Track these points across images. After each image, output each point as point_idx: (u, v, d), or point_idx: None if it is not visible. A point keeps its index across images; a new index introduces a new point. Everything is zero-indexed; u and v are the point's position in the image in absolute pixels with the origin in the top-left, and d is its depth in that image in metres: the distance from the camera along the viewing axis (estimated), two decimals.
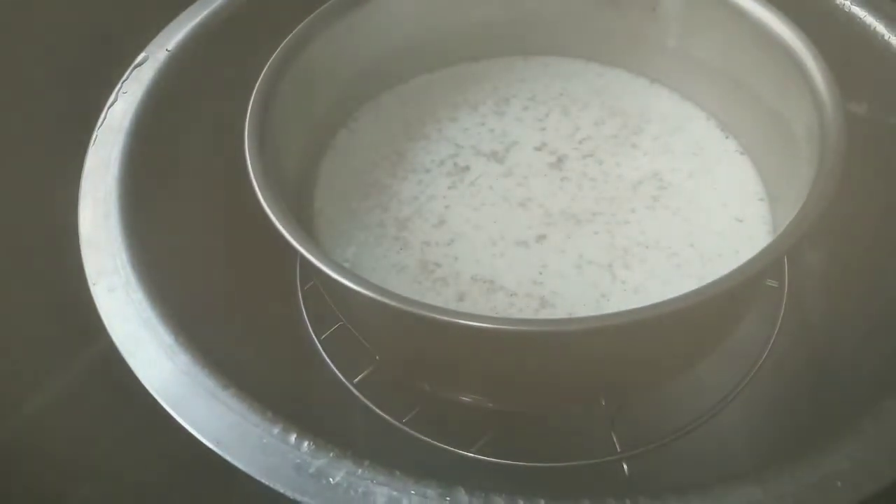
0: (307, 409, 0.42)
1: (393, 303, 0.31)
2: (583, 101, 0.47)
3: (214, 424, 0.31)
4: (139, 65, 0.44)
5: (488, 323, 0.30)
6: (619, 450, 0.40)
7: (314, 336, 0.44)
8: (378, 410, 0.41)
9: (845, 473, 0.28)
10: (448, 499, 0.28)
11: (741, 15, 0.41)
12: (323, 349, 0.44)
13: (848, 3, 0.44)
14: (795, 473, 0.28)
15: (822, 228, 0.51)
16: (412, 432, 0.40)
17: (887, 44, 0.43)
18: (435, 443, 0.40)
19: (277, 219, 0.34)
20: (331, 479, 0.28)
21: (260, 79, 0.39)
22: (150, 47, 0.45)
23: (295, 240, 0.33)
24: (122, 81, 0.43)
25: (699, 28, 0.44)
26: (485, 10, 0.48)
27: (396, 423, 0.40)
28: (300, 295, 0.46)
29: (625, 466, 0.39)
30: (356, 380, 0.42)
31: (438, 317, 0.30)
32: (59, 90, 0.51)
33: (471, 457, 0.39)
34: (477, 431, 0.40)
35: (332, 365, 0.43)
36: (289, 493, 0.28)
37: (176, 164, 0.44)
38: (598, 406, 0.41)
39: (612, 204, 0.42)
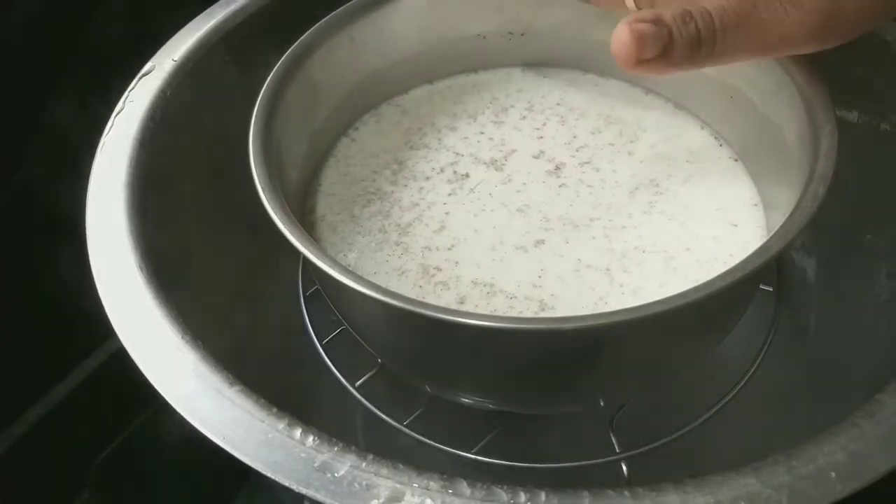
0: (310, 411, 0.42)
1: (395, 302, 0.31)
2: (580, 111, 0.48)
3: (220, 420, 0.31)
4: (146, 74, 0.45)
5: (490, 322, 0.31)
6: (617, 450, 0.40)
7: (316, 341, 0.45)
8: (380, 413, 0.42)
9: (840, 465, 0.28)
10: (450, 491, 0.28)
11: None
12: (325, 353, 0.44)
13: None
14: (791, 465, 0.28)
15: (815, 233, 0.52)
16: (414, 434, 0.41)
17: (878, 51, 0.44)
18: (436, 444, 0.40)
19: (282, 223, 0.34)
20: (335, 473, 0.29)
21: (263, 88, 0.40)
22: (157, 57, 0.46)
23: (299, 243, 0.34)
24: (129, 90, 0.44)
25: None
26: (483, 22, 0.49)
27: (398, 426, 0.41)
28: (302, 300, 0.47)
29: (623, 467, 0.40)
30: (358, 383, 0.43)
31: (441, 316, 0.31)
32: (66, 96, 0.52)
33: (472, 458, 0.40)
34: (478, 433, 0.41)
35: (333, 369, 0.44)
36: (294, 487, 0.28)
37: (182, 170, 0.45)
38: (596, 407, 0.41)
39: (610, 210, 0.42)
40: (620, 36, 0.33)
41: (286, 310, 0.48)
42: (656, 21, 0.33)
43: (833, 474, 0.28)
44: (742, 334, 0.42)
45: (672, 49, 0.33)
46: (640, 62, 0.34)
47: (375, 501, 0.28)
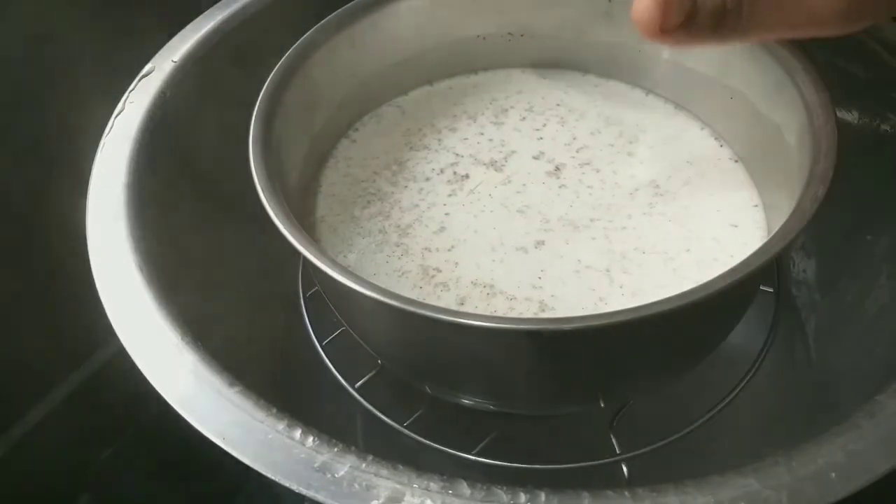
0: (310, 412, 0.42)
1: (395, 303, 0.31)
2: (579, 112, 0.48)
3: (220, 420, 0.31)
4: (146, 75, 0.45)
5: (490, 322, 0.31)
6: (618, 451, 0.40)
7: (316, 342, 0.45)
8: (380, 414, 0.42)
9: (840, 465, 0.28)
10: (450, 492, 0.28)
11: None
12: (325, 354, 0.44)
13: None
14: (791, 465, 0.28)
15: (815, 234, 0.52)
16: (414, 435, 0.41)
17: (876, 52, 0.44)
18: (436, 446, 0.40)
19: (282, 224, 0.34)
20: (335, 474, 0.29)
21: (263, 89, 0.40)
22: (157, 59, 0.46)
23: (299, 244, 0.34)
24: (129, 91, 0.44)
25: None
26: (483, 23, 0.49)
27: (398, 427, 0.41)
28: (302, 302, 0.47)
29: (624, 468, 0.40)
30: (358, 384, 0.43)
31: (441, 317, 0.31)
32: (68, 98, 0.52)
33: (472, 459, 0.40)
34: (478, 434, 0.41)
35: (333, 370, 0.44)
36: (294, 487, 0.28)
37: (181, 171, 0.45)
38: (597, 408, 0.41)
39: (610, 210, 0.42)
40: (643, 1, 0.33)
41: (286, 311, 0.48)
42: None
43: (833, 475, 0.28)
44: (742, 335, 0.42)
45: (695, 18, 0.32)
46: (664, 30, 0.33)
47: (375, 502, 0.28)
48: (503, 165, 0.45)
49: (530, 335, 0.32)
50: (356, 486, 0.29)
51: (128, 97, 0.44)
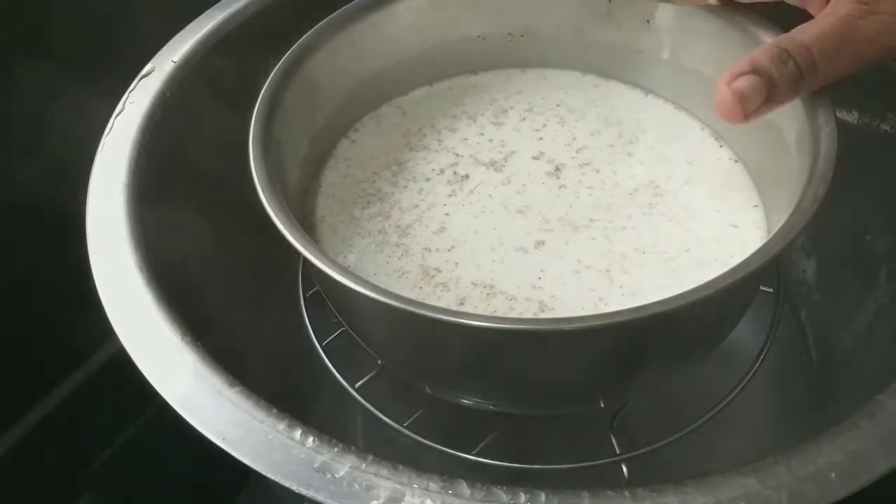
0: (310, 412, 0.42)
1: (395, 303, 0.31)
2: (579, 112, 0.48)
3: (220, 421, 0.31)
4: (146, 75, 0.45)
5: (490, 322, 0.31)
6: (618, 451, 0.40)
7: (316, 342, 0.45)
8: (379, 414, 0.42)
9: (840, 465, 0.28)
10: (450, 492, 0.28)
11: (732, 26, 0.42)
12: (325, 355, 0.44)
13: None
14: (791, 465, 0.28)
15: (815, 234, 0.52)
16: (413, 436, 0.41)
17: None
18: (436, 446, 0.40)
19: (282, 224, 0.34)
20: (335, 474, 0.29)
21: (263, 90, 0.40)
22: (157, 59, 0.46)
23: (299, 244, 0.34)
24: (129, 91, 0.44)
25: (692, 40, 0.45)
26: (483, 24, 0.49)
27: (398, 427, 0.41)
28: (302, 302, 0.47)
29: (624, 468, 0.40)
30: (358, 384, 0.43)
31: (440, 317, 0.31)
32: (67, 99, 0.52)
33: (472, 459, 0.40)
34: (478, 434, 0.41)
35: (333, 370, 0.44)
36: (294, 487, 0.28)
37: (181, 171, 0.45)
38: (596, 408, 0.41)
39: (609, 211, 0.42)
40: (723, 97, 0.34)
41: (286, 311, 0.48)
42: (755, 69, 0.33)
43: (833, 475, 0.28)
44: (742, 335, 0.42)
45: (775, 92, 0.34)
46: (748, 116, 0.34)
47: (375, 502, 0.28)
48: (503, 166, 0.45)
49: (530, 335, 0.32)
50: (356, 486, 0.29)
51: (128, 97, 0.44)
